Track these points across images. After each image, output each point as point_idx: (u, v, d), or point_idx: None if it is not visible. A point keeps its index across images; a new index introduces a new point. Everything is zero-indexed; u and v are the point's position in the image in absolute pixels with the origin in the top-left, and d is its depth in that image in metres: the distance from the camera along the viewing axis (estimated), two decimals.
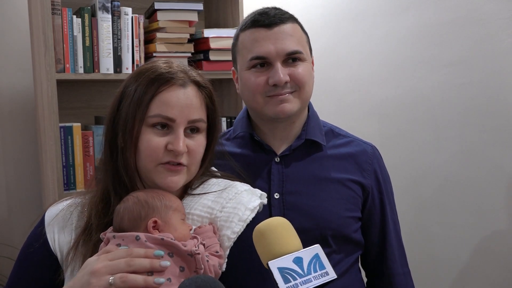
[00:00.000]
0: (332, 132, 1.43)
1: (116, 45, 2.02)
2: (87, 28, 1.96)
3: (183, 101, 1.04)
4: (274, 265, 0.84)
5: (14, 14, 2.25)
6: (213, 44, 2.17)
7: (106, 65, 2.00)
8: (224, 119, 2.25)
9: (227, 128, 1.99)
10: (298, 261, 0.85)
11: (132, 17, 2.05)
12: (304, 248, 0.88)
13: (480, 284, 1.86)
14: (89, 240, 1.02)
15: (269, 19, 1.29)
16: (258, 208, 1.06)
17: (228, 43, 2.12)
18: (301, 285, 0.82)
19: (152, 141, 1.02)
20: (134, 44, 2.07)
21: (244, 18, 1.37)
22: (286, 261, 0.85)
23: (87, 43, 1.97)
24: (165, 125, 1.04)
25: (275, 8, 1.33)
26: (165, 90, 1.03)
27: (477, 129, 1.84)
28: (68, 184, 1.97)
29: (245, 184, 1.14)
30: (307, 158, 1.37)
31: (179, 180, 1.04)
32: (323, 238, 1.31)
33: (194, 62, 2.15)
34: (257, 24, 1.29)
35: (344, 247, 1.35)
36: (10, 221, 2.28)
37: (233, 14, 2.30)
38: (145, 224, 0.97)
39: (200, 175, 1.13)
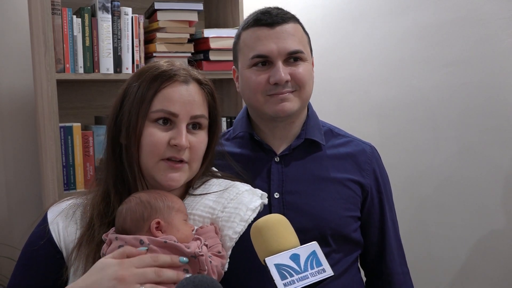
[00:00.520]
0: (331, 132, 1.43)
1: (116, 45, 2.02)
2: (87, 28, 1.96)
3: (186, 97, 1.05)
4: (271, 262, 0.85)
5: (14, 14, 2.25)
6: (213, 44, 2.17)
7: (106, 65, 2.00)
8: (224, 119, 2.25)
9: (227, 128, 1.99)
10: (295, 257, 0.86)
11: (132, 17, 2.05)
12: (301, 245, 0.89)
13: (479, 283, 1.87)
14: (91, 241, 1.02)
15: (272, 18, 1.29)
16: (259, 208, 1.06)
17: (228, 43, 2.13)
18: (297, 282, 0.83)
19: (154, 135, 1.03)
20: (134, 44, 2.06)
21: (244, 18, 1.38)
22: (283, 258, 0.85)
23: (87, 43, 1.97)
24: (168, 121, 1.04)
25: (278, 8, 1.34)
26: (168, 86, 1.04)
27: (476, 129, 1.84)
28: (68, 184, 1.97)
29: (246, 184, 1.15)
30: (307, 157, 1.38)
31: (180, 177, 1.05)
32: (323, 238, 1.31)
33: (195, 62, 2.15)
34: (260, 23, 1.30)
35: (344, 246, 1.36)
36: (10, 221, 2.28)
37: (233, 14, 2.30)
38: (148, 225, 0.97)
39: (201, 174, 1.14)
